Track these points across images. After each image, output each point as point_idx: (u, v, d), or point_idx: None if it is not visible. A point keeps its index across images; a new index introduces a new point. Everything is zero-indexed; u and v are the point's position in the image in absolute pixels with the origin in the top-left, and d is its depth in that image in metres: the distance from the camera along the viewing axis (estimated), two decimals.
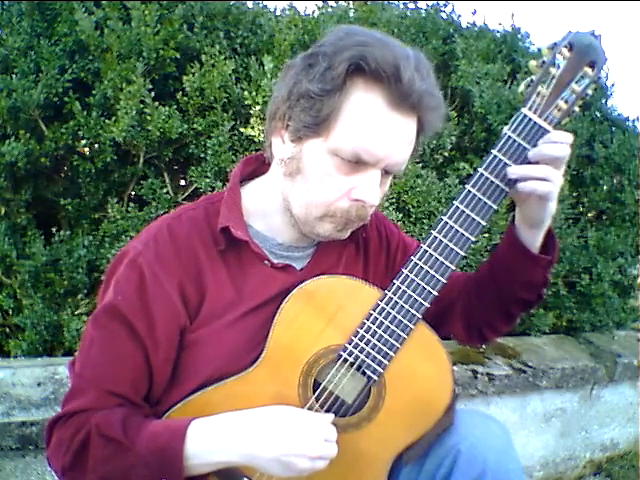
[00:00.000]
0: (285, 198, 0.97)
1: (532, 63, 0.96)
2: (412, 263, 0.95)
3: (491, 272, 1.11)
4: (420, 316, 0.95)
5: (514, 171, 0.92)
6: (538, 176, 0.91)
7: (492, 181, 0.94)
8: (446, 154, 2.32)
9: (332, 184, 0.91)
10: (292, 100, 0.90)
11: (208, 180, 1.91)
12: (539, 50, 0.98)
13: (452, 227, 0.95)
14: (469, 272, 1.25)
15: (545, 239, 1.03)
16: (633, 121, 2.77)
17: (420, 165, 2.17)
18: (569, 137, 0.93)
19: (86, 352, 0.94)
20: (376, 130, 0.87)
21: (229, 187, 1.03)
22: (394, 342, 0.94)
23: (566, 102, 0.93)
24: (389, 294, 0.95)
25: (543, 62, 0.94)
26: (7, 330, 1.96)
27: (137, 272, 0.92)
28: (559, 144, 0.91)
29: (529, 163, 0.93)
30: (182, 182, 2.14)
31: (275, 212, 1.00)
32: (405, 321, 0.94)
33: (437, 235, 0.95)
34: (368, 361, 0.94)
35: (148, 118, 1.84)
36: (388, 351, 0.94)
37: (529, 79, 0.96)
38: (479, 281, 1.14)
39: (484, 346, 2.20)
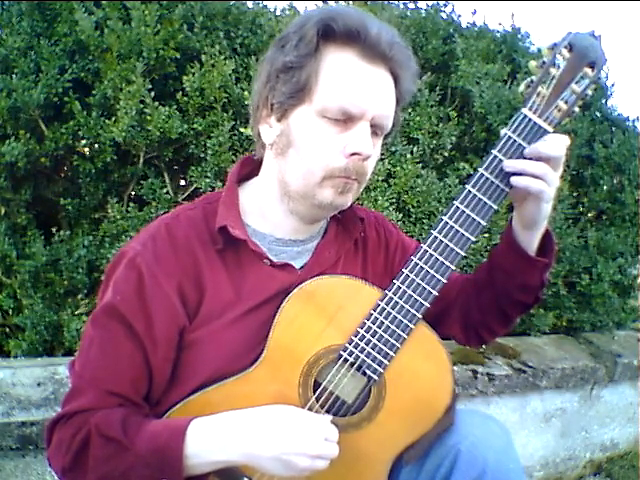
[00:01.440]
0: (281, 180, 0.98)
1: (532, 64, 0.96)
2: (412, 263, 0.95)
3: (488, 274, 1.11)
4: (420, 316, 0.95)
5: (510, 164, 0.93)
6: (533, 172, 0.91)
7: (492, 181, 0.94)
8: (446, 154, 2.32)
9: (325, 145, 0.92)
10: (272, 80, 0.94)
11: (208, 180, 1.91)
12: (539, 50, 0.99)
13: (452, 227, 0.95)
14: (467, 273, 1.25)
15: (542, 241, 1.03)
16: (633, 121, 2.77)
17: (420, 165, 2.17)
18: (566, 140, 0.93)
19: (86, 352, 0.94)
20: (355, 82, 0.91)
21: (226, 187, 1.03)
22: (394, 342, 0.94)
23: (566, 102, 0.93)
24: (389, 294, 0.95)
25: (543, 62, 0.94)
26: (7, 330, 1.96)
27: (136, 272, 0.92)
28: (555, 143, 0.92)
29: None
30: (182, 182, 2.14)
31: (272, 204, 1.01)
32: (405, 321, 0.94)
33: (437, 235, 0.95)
34: (368, 361, 0.94)
35: (148, 118, 1.84)
36: (388, 351, 0.94)
37: (529, 79, 0.96)
38: (477, 282, 1.14)
39: (484, 346, 2.20)
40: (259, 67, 1.00)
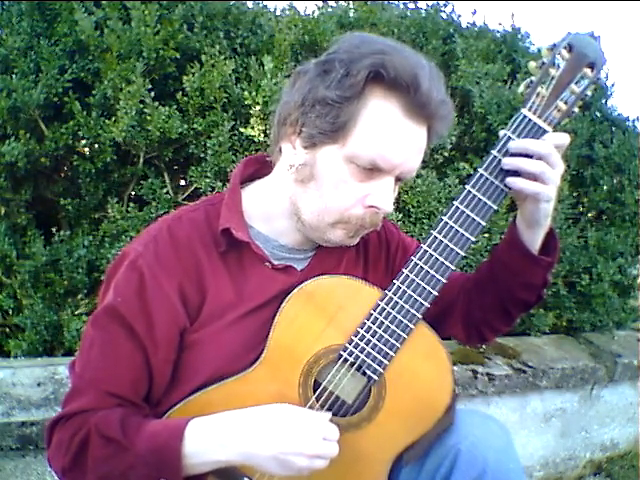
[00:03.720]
0: (294, 203, 0.97)
1: (532, 64, 0.96)
2: (412, 263, 0.95)
3: (491, 272, 1.11)
4: (420, 316, 0.95)
5: (508, 162, 0.93)
6: (530, 170, 0.91)
7: (492, 181, 0.94)
8: (446, 154, 2.32)
9: (347, 191, 0.92)
10: (306, 106, 0.90)
11: (208, 180, 1.91)
12: (539, 50, 0.99)
13: (452, 227, 0.95)
14: (468, 272, 1.24)
15: (546, 239, 1.02)
16: (633, 121, 2.77)
17: (420, 165, 2.17)
18: (559, 137, 0.92)
19: (86, 353, 0.94)
20: (393, 138, 0.88)
21: (229, 188, 1.03)
22: (394, 342, 0.94)
23: (565, 103, 0.93)
24: (389, 294, 0.95)
25: (543, 63, 0.94)
26: (7, 330, 1.96)
27: (137, 274, 0.92)
28: (540, 140, 0.91)
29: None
30: (182, 182, 2.14)
31: (280, 216, 1.00)
32: (405, 321, 0.94)
33: (437, 235, 0.95)
34: (368, 361, 0.95)
35: (148, 118, 1.84)
36: (388, 351, 0.94)
37: (529, 80, 0.96)
38: (478, 281, 1.14)
39: (484, 346, 2.20)
40: (294, 77, 0.96)
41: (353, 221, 0.94)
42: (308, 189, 0.94)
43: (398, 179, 0.95)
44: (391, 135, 0.88)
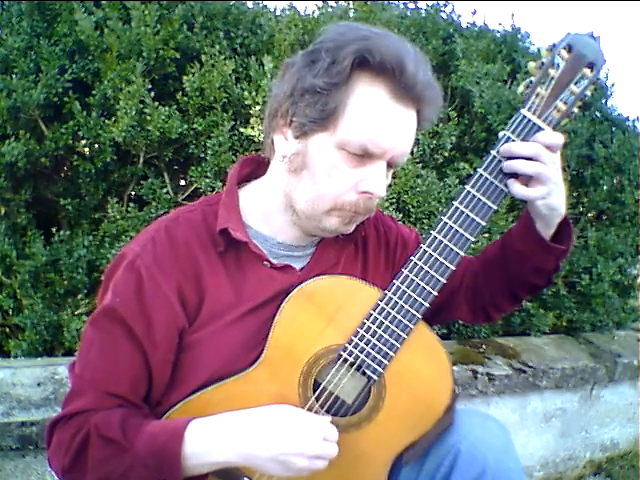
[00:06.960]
0: (288, 195, 0.97)
1: (531, 64, 0.96)
2: (412, 263, 0.95)
3: (501, 256, 1.11)
4: (420, 316, 0.95)
5: (504, 148, 0.93)
6: (523, 171, 0.92)
7: (491, 181, 0.94)
8: (446, 154, 2.32)
9: (339, 177, 0.92)
10: (296, 96, 0.91)
11: (208, 180, 1.91)
12: (539, 50, 0.98)
13: (452, 227, 0.95)
14: (471, 256, 1.24)
15: (560, 227, 1.02)
16: (633, 121, 2.77)
17: (420, 165, 2.17)
18: (555, 137, 0.92)
19: (85, 354, 0.94)
20: (382, 122, 0.89)
21: (226, 189, 1.03)
22: (394, 342, 0.94)
23: (565, 103, 0.93)
24: (389, 294, 0.95)
25: (542, 63, 0.94)
26: (7, 330, 1.96)
27: (135, 275, 0.92)
28: (525, 143, 0.92)
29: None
30: (182, 182, 2.14)
31: (276, 211, 1.00)
32: (405, 321, 0.94)
33: (437, 235, 0.95)
34: (368, 361, 0.95)
35: (148, 118, 1.84)
36: (388, 351, 0.94)
37: (528, 80, 0.96)
38: (486, 264, 1.14)
39: (484, 346, 2.20)
40: (283, 69, 0.97)
41: (347, 207, 0.94)
42: (301, 178, 0.94)
43: (390, 165, 0.95)
44: (380, 119, 0.89)
